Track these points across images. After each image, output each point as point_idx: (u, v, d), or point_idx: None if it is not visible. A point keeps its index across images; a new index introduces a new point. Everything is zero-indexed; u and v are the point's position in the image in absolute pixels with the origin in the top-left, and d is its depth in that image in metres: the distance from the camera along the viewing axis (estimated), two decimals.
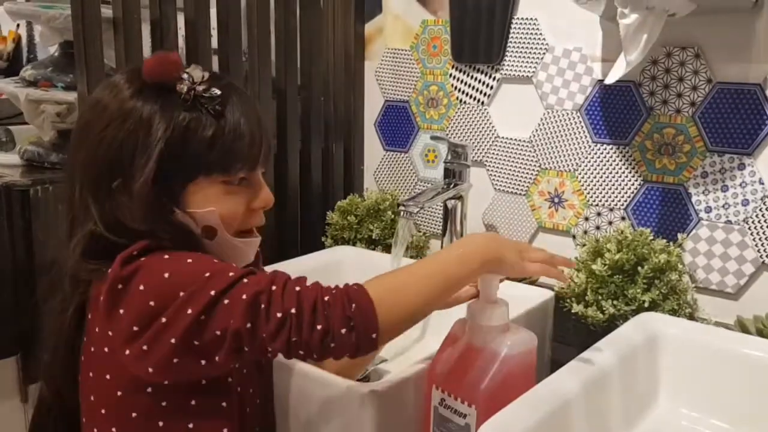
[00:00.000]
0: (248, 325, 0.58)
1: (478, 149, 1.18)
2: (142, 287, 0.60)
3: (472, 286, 0.73)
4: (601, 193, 1.05)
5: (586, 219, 1.07)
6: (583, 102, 1.05)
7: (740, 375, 0.78)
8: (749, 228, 0.92)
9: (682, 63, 0.95)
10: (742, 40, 0.90)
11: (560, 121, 1.08)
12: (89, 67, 0.96)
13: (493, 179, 1.17)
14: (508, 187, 1.16)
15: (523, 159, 1.13)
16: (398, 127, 1.31)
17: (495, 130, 1.16)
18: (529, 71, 1.10)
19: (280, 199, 1.23)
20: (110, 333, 0.62)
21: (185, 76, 0.65)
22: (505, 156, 1.15)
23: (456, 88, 1.20)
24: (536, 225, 1.13)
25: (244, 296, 0.58)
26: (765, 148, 0.90)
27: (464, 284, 0.69)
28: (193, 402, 0.65)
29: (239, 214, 0.68)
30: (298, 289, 0.60)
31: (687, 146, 0.96)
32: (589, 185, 1.06)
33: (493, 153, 1.17)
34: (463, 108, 1.20)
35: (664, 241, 0.94)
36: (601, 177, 1.05)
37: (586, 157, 1.06)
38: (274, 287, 0.59)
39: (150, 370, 0.60)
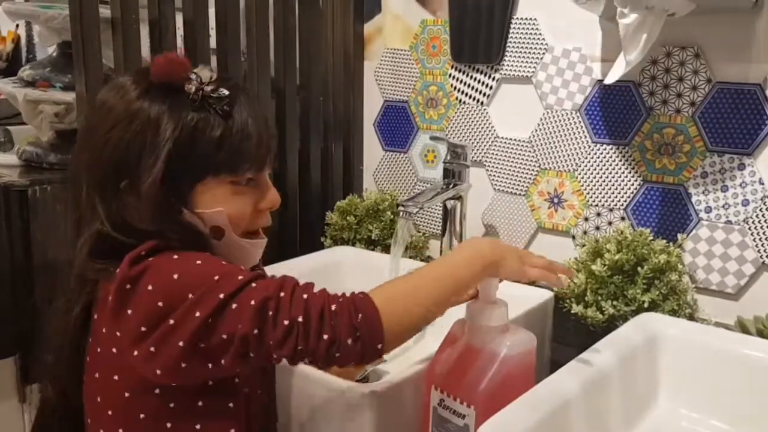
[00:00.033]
0: (255, 331, 0.58)
1: (478, 149, 1.18)
2: (150, 287, 0.60)
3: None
4: (600, 193, 1.05)
5: (586, 219, 1.07)
6: (583, 102, 1.05)
7: (740, 376, 0.78)
8: (749, 228, 0.92)
9: (682, 63, 0.95)
10: (742, 40, 0.90)
11: (560, 121, 1.08)
12: (87, 68, 0.96)
13: (493, 179, 1.17)
14: (508, 187, 1.15)
15: (522, 159, 1.13)
16: (397, 127, 1.31)
17: (494, 130, 1.16)
18: (528, 71, 1.10)
19: (280, 199, 1.22)
20: (118, 333, 0.62)
21: (193, 76, 0.65)
22: (505, 156, 1.15)
23: (455, 88, 1.20)
24: (536, 225, 1.13)
25: (252, 301, 0.58)
26: (765, 148, 0.90)
27: (470, 287, 0.70)
28: (200, 403, 0.65)
29: (247, 214, 0.69)
30: (305, 296, 0.60)
31: (687, 146, 0.96)
32: (588, 185, 1.06)
33: (493, 153, 1.16)
34: (463, 108, 1.19)
35: (664, 241, 0.94)
36: (601, 177, 1.05)
37: (586, 158, 1.06)
38: (282, 293, 0.59)
39: (158, 372, 0.60)
